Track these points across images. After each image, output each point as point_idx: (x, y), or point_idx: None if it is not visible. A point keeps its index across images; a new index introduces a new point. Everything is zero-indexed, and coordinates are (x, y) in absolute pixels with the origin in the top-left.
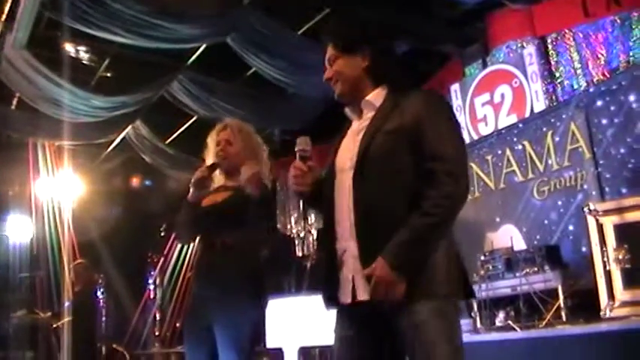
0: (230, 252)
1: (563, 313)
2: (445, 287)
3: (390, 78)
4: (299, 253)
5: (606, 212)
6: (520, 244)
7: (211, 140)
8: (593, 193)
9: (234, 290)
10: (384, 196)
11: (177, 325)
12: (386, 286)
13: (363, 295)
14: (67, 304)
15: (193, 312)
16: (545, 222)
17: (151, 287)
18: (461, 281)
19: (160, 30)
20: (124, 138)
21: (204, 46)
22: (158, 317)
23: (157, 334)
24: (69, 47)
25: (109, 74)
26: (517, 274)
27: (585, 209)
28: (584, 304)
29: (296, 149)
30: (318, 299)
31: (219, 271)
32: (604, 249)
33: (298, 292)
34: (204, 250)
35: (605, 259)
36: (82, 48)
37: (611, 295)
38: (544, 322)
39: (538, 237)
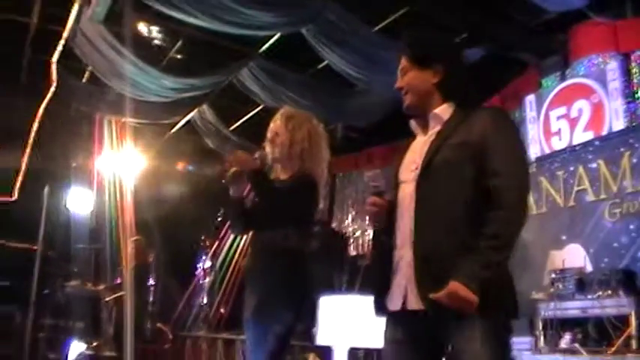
0: (265, 251)
1: (633, 342)
2: (498, 306)
3: (459, 94)
4: (353, 252)
5: None
6: (586, 265)
7: (269, 129)
8: None
9: (267, 292)
10: (445, 207)
11: (223, 311)
12: (465, 303)
13: (413, 305)
14: (120, 279)
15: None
16: (615, 245)
17: (201, 271)
18: (512, 301)
19: (238, 15)
20: (188, 121)
21: (277, 35)
22: (205, 301)
23: (203, 317)
24: (143, 26)
25: (179, 56)
26: (589, 296)
27: None
28: None
29: (370, 184)
30: (369, 301)
31: (255, 271)
32: None
33: (350, 291)
34: (250, 249)
35: None
36: (155, 27)
37: None
38: (613, 349)
39: (606, 260)
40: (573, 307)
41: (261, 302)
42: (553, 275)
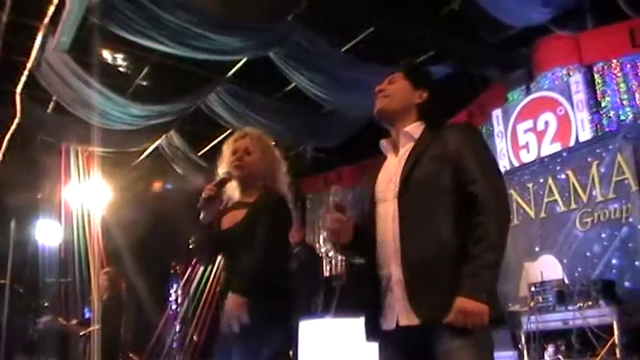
0: (245, 276)
1: (617, 351)
2: (495, 313)
3: (431, 118)
4: (326, 273)
5: None
6: (559, 275)
7: (227, 148)
8: (639, 226)
9: (253, 317)
10: (430, 218)
11: (195, 338)
12: (476, 318)
13: (405, 321)
14: (91, 312)
15: (220, 332)
16: (588, 254)
17: (173, 299)
18: (498, 307)
19: (204, 41)
20: (156, 147)
21: (244, 59)
22: (178, 329)
23: (177, 346)
24: (108, 54)
25: (145, 83)
26: (570, 308)
27: None
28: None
29: (331, 200)
30: (347, 323)
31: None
32: None
33: (325, 314)
34: (226, 274)
35: None
36: (120, 55)
37: None
38: (597, 359)
39: (579, 269)
40: (555, 319)
41: (247, 327)
42: (532, 288)
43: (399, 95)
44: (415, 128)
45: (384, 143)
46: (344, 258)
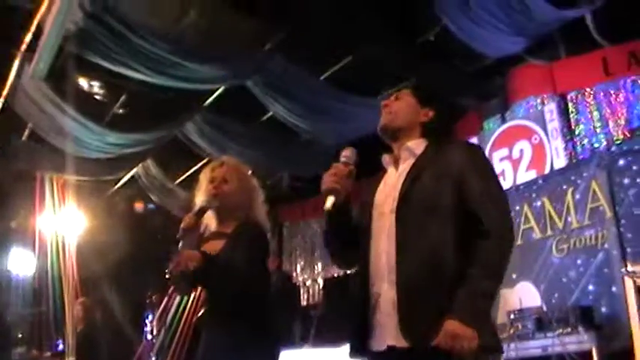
0: (226, 308)
1: None
2: (486, 340)
3: (435, 136)
4: (304, 303)
5: None
6: (537, 302)
7: (204, 177)
8: (615, 252)
9: (233, 348)
10: (427, 236)
11: None
12: (464, 342)
13: (395, 342)
14: (65, 344)
15: None
16: (564, 280)
17: (148, 329)
18: (494, 335)
19: (182, 69)
20: (132, 176)
21: (221, 88)
22: None
23: None
24: (85, 82)
25: (121, 111)
26: (548, 335)
27: (623, 270)
28: None
29: (342, 156)
30: (325, 352)
31: (215, 327)
32: None
33: (303, 344)
34: (206, 308)
35: None
36: (96, 83)
37: None
38: None
39: (556, 295)
40: (534, 347)
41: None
42: (511, 316)
43: (404, 112)
44: (418, 144)
45: (385, 158)
46: (321, 287)
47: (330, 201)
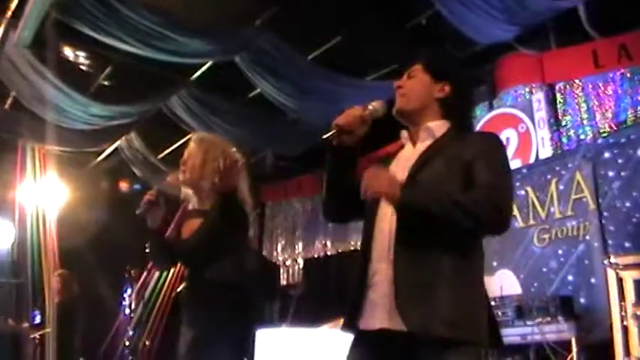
0: (201, 286)
1: None
2: (476, 334)
3: (457, 115)
4: (284, 282)
5: (627, 267)
6: (516, 291)
7: None
8: (596, 244)
9: (204, 329)
10: (427, 220)
11: (148, 343)
12: (378, 181)
13: (388, 324)
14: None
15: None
16: (544, 270)
17: (127, 303)
18: (493, 330)
19: (170, 42)
20: (115, 148)
21: (208, 63)
22: (131, 335)
23: (130, 352)
24: (70, 51)
25: (106, 83)
26: (528, 323)
27: (606, 262)
28: (596, 358)
29: (371, 104)
30: (304, 332)
31: (190, 305)
32: (622, 304)
33: (282, 323)
34: (185, 286)
35: (623, 313)
36: (82, 53)
37: (627, 352)
38: None
39: (535, 284)
40: (513, 334)
41: (198, 339)
42: (492, 303)
43: (417, 91)
44: (439, 126)
45: (404, 133)
46: (301, 267)
47: (330, 132)
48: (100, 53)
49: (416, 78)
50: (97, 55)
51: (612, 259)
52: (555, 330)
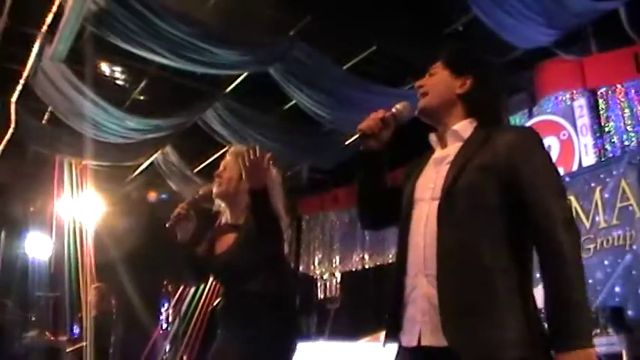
0: (249, 303)
1: None
2: (528, 352)
3: (483, 112)
4: (321, 296)
5: None
6: None
7: None
8: None
9: (254, 345)
10: (470, 235)
11: (185, 358)
12: None
13: (430, 340)
14: (80, 329)
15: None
16: (590, 281)
17: (164, 317)
18: (545, 348)
19: (205, 54)
20: (151, 162)
21: (243, 75)
22: (168, 349)
23: None
24: (106, 66)
25: (142, 97)
26: None
27: None
28: None
29: (395, 107)
30: (341, 345)
31: (236, 325)
32: None
33: (320, 337)
34: (224, 298)
35: None
36: (117, 68)
37: None
38: None
39: None
40: None
41: (248, 356)
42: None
43: (438, 89)
44: (465, 127)
45: (433, 137)
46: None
47: (353, 137)
48: (135, 67)
49: (437, 75)
50: (132, 68)
51: None
52: (605, 343)
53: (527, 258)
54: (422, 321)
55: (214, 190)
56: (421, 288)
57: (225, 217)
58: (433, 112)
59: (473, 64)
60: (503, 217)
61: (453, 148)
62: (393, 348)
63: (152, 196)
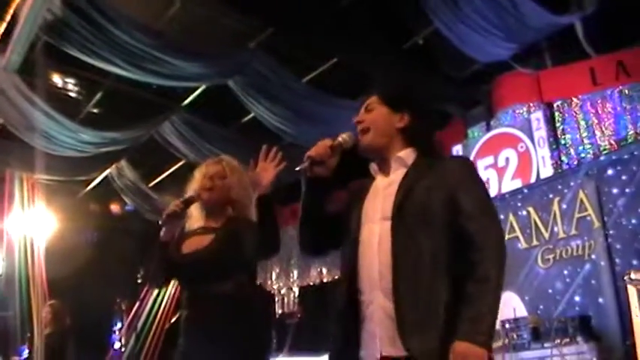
0: (224, 304)
1: None
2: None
3: (421, 143)
4: (279, 311)
5: None
6: (522, 313)
7: (199, 172)
8: (602, 263)
9: (230, 349)
10: (423, 250)
11: None
12: None
13: (389, 351)
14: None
15: None
16: (550, 291)
17: (117, 337)
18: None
19: (162, 65)
20: (105, 177)
21: (201, 88)
22: None
23: None
24: (59, 78)
25: (96, 110)
26: (546, 345)
27: (626, 278)
28: None
29: (341, 136)
30: None
31: (212, 326)
32: None
33: (279, 353)
34: (193, 303)
35: None
36: (72, 80)
37: None
38: None
39: (541, 306)
40: (530, 358)
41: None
42: (506, 325)
43: (378, 124)
44: (408, 154)
45: (374, 166)
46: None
47: (302, 164)
48: (90, 79)
49: (375, 111)
50: (87, 80)
51: (633, 275)
52: (575, 351)
53: (463, 270)
54: (380, 333)
55: (207, 195)
56: (377, 302)
57: (195, 222)
58: (376, 148)
59: (408, 100)
60: (448, 231)
61: (397, 174)
62: None
63: (115, 208)
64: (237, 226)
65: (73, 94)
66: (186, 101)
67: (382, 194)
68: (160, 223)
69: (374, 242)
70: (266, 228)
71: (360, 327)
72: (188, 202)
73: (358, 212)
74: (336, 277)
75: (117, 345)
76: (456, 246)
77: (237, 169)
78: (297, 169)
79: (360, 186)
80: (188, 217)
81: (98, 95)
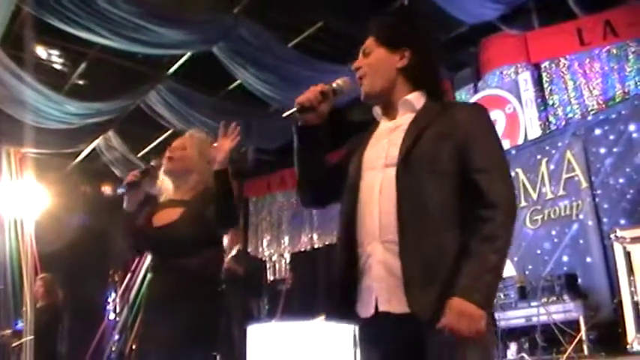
0: (184, 279)
1: (585, 347)
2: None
3: (428, 83)
4: (271, 277)
5: (635, 239)
6: (510, 273)
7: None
8: (590, 223)
9: (187, 326)
10: (426, 200)
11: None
12: (473, 324)
13: (386, 307)
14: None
15: (142, 347)
16: (538, 252)
17: (111, 307)
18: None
19: (146, 33)
20: (93, 149)
21: (186, 55)
22: (117, 339)
23: (116, 356)
24: (43, 50)
25: (81, 82)
26: (532, 304)
27: (612, 236)
28: (606, 337)
29: (336, 81)
30: (294, 325)
31: (166, 300)
32: (632, 278)
33: (271, 318)
34: (157, 277)
35: (633, 288)
36: (56, 51)
37: (638, 328)
38: (564, 356)
39: (530, 267)
40: (517, 317)
41: (179, 336)
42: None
43: (377, 67)
44: (417, 98)
45: (377, 109)
46: (287, 262)
47: (291, 110)
48: (74, 49)
49: (372, 54)
50: (71, 51)
51: (619, 233)
52: (562, 310)
53: (470, 222)
54: (378, 287)
55: (166, 166)
56: (376, 255)
57: (166, 194)
58: (378, 93)
59: (407, 35)
60: (456, 182)
61: (404, 118)
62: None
63: (107, 190)
64: (204, 201)
65: (57, 66)
66: (172, 69)
67: (387, 139)
68: (119, 193)
69: (374, 191)
70: (220, 201)
71: (359, 281)
72: (145, 172)
73: (359, 158)
74: (327, 242)
75: (111, 315)
76: (465, 198)
77: (200, 141)
78: (285, 115)
79: (361, 138)
80: (160, 189)
81: (82, 66)
